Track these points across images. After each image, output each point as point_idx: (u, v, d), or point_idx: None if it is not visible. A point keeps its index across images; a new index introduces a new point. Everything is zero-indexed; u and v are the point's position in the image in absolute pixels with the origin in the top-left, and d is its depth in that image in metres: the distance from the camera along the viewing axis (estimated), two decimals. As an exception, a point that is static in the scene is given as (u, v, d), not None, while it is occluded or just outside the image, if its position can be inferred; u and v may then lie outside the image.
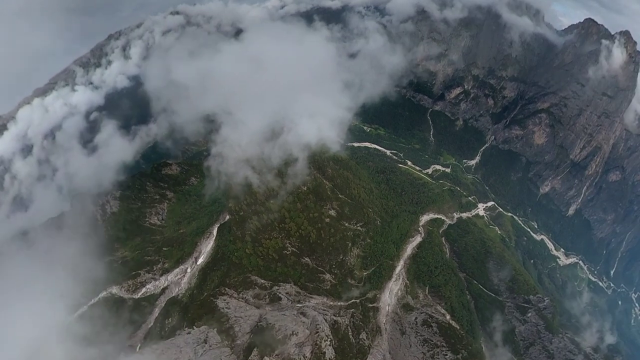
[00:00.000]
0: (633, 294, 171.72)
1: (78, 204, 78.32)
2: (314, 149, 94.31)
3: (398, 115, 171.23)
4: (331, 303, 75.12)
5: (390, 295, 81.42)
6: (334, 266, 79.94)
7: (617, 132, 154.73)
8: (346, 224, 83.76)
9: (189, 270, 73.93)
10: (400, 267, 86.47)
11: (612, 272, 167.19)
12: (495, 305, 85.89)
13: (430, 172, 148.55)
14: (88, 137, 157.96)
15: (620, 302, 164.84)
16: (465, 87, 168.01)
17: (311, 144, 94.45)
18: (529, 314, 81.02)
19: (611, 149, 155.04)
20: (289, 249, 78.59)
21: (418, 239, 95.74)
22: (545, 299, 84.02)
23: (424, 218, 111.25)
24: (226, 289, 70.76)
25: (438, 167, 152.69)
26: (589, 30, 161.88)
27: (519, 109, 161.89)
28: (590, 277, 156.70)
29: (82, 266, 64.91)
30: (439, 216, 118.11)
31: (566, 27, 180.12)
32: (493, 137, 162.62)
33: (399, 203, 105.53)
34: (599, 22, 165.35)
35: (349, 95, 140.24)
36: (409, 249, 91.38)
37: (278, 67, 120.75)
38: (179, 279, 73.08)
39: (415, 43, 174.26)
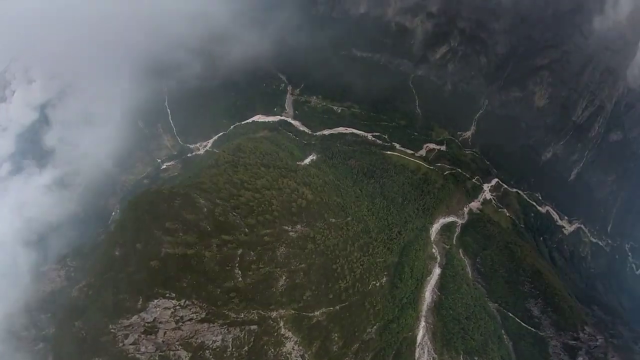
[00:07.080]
0: (627, 245, 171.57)
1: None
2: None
3: (373, 86, 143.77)
4: None
5: (416, 383, 64.00)
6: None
7: (620, 90, 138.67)
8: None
9: None
10: (422, 332, 67.58)
11: (609, 229, 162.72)
12: (538, 346, 72.05)
13: (424, 155, 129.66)
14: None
15: (617, 256, 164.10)
16: (452, 44, 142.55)
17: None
18: (580, 358, 68.17)
19: (613, 107, 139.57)
20: None
21: (436, 272, 77.62)
22: (598, 337, 70.97)
23: (435, 228, 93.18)
24: None
25: (432, 145, 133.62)
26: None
27: (513, 66, 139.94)
28: (592, 238, 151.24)
29: None
30: (449, 219, 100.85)
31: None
32: (487, 101, 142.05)
33: (403, 221, 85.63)
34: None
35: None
36: (428, 295, 72.85)
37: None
38: None
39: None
